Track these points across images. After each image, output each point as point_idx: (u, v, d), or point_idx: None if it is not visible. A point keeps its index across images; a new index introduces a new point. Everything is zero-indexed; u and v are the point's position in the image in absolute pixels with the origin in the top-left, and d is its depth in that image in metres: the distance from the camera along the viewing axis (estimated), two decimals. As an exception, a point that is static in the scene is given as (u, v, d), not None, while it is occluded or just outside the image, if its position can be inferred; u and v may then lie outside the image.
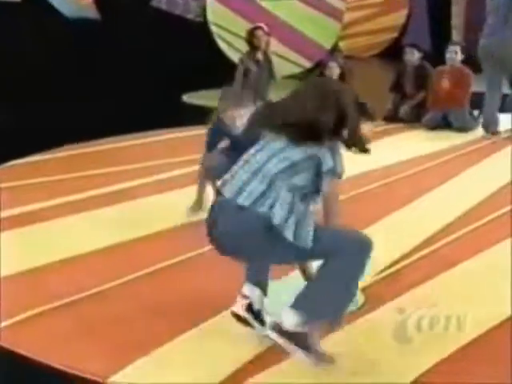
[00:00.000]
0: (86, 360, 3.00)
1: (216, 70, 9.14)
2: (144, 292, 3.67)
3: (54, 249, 4.19)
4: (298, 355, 2.84)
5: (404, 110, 7.96)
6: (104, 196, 5.26)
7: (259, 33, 7.85)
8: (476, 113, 7.85)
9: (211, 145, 4.65)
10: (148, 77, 9.00)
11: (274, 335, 2.87)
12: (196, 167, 4.95)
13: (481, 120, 7.72)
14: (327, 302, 2.83)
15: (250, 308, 3.11)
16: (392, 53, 9.84)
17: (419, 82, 7.96)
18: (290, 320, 2.81)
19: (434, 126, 7.67)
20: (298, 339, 2.82)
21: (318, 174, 2.86)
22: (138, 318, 3.38)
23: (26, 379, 2.99)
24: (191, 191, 4.86)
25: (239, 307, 3.12)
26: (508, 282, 3.68)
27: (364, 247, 2.85)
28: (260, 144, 2.97)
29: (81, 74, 8.94)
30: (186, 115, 8.33)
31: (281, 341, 2.84)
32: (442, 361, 2.95)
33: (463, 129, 7.54)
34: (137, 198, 5.19)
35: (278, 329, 2.84)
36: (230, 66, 9.52)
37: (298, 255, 2.90)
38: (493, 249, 4.22)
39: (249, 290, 3.13)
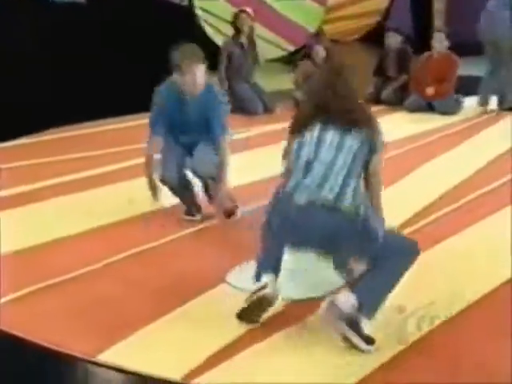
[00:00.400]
0: (74, 339, 3.00)
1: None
2: (130, 273, 3.66)
3: (40, 231, 4.17)
4: (354, 339, 2.83)
5: (386, 93, 7.96)
6: (88, 179, 5.23)
7: (243, 16, 7.81)
8: (459, 96, 7.84)
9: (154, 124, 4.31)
10: (133, 60, 8.92)
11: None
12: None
13: (464, 103, 7.77)
14: (379, 296, 2.89)
15: None
16: (375, 37, 9.79)
17: (401, 65, 7.96)
18: (349, 303, 2.83)
19: (417, 109, 7.66)
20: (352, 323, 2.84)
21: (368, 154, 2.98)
22: (125, 298, 3.37)
23: (15, 357, 2.98)
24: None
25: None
26: (488, 260, 3.73)
27: (415, 252, 3.00)
28: (307, 138, 3.00)
29: (66, 57, 8.85)
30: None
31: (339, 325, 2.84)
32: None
33: (446, 112, 7.54)
34: (121, 180, 5.16)
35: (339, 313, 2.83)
36: (216, 50, 9.47)
37: (371, 248, 2.94)
38: (474, 226, 4.25)
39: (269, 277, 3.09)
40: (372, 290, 2.89)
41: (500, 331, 3.03)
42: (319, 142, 2.99)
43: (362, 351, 2.83)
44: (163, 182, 4.21)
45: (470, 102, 7.89)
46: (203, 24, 10.38)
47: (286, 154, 3.14)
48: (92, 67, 8.57)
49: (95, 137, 6.66)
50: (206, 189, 4.41)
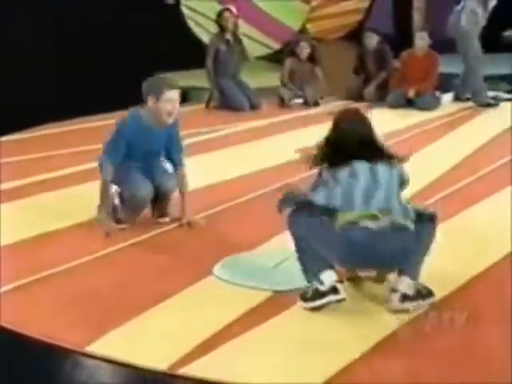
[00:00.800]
0: (64, 331, 3.01)
1: (188, 51, 9.09)
2: (119, 265, 3.69)
3: (29, 225, 4.18)
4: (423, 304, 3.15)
5: (368, 92, 8.00)
6: (77, 174, 5.24)
7: (227, 14, 7.84)
8: (438, 93, 7.92)
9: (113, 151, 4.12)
10: (121, 59, 8.92)
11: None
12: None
13: (442, 99, 7.86)
14: (421, 263, 3.23)
15: None
16: (357, 35, 9.83)
17: (379, 64, 8.02)
18: (408, 285, 3.15)
19: (397, 105, 7.72)
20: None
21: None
22: (114, 290, 3.39)
23: (7, 350, 2.99)
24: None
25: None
26: (467, 252, 3.81)
27: (435, 216, 3.32)
28: (350, 171, 3.18)
29: (58, 54, 8.85)
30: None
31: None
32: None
33: (426, 109, 7.60)
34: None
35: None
36: (202, 48, 9.48)
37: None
38: (455, 218, 4.31)
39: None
40: (416, 264, 3.22)
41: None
42: (370, 172, 3.20)
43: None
44: (134, 199, 4.12)
45: (448, 99, 7.99)
46: (189, 22, 10.37)
47: (321, 184, 3.23)
48: (79, 64, 8.57)
49: (83, 132, 6.64)
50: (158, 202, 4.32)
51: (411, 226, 3.15)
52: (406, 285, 3.15)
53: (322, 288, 3.15)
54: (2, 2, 8.66)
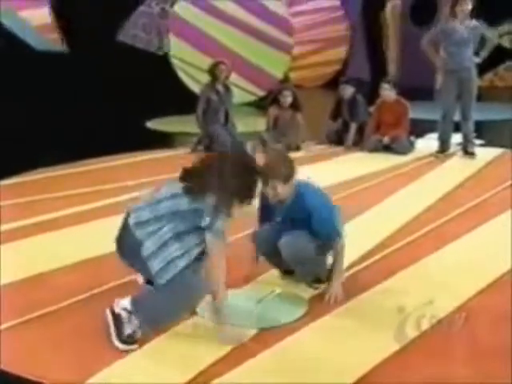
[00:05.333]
0: (57, 370, 2.93)
1: (176, 98, 9.12)
2: (107, 305, 3.60)
3: (21, 267, 4.10)
4: None
5: (347, 138, 8.02)
6: (71, 216, 5.18)
7: (222, 66, 7.92)
8: (413, 138, 7.94)
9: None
10: (114, 106, 8.94)
11: None
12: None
13: (417, 144, 7.86)
14: None
15: None
16: (335, 83, 9.92)
17: (353, 112, 8.07)
18: None
19: (374, 150, 7.75)
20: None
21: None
22: (103, 329, 3.31)
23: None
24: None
25: None
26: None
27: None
28: None
29: (53, 104, 8.84)
30: (150, 140, 8.32)
31: None
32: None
33: (401, 152, 7.63)
34: (103, 217, 5.11)
35: None
36: (189, 95, 9.54)
37: None
38: (428, 258, 4.27)
39: None
40: None
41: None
42: None
43: None
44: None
45: (422, 144, 8.01)
46: (178, 71, 10.43)
47: None
48: (74, 111, 8.57)
49: (77, 176, 6.61)
50: None
51: None
52: None
53: None
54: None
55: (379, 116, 7.87)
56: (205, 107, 7.79)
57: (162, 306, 3.06)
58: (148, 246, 3.05)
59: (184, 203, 3.06)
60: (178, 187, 3.11)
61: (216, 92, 7.86)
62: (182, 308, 3.13)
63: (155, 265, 3.03)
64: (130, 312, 3.08)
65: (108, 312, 3.12)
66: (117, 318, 3.09)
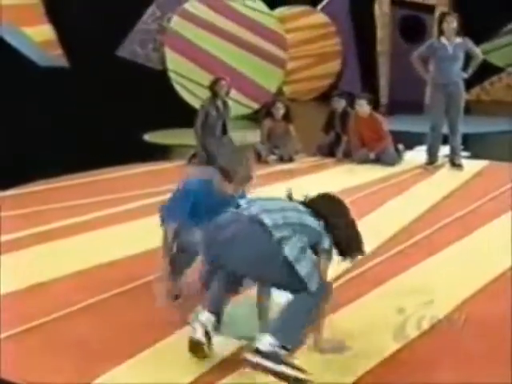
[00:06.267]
0: (54, 378, 2.92)
1: (174, 112, 9.15)
2: (104, 314, 3.60)
3: (23, 276, 4.10)
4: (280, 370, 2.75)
5: (339, 150, 8.04)
6: (71, 227, 5.16)
7: (222, 83, 7.91)
8: (401, 148, 7.96)
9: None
10: (113, 119, 8.96)
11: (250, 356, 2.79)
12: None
13: (405, 155, 7.88)
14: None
15: (207, 334, 3.05)
16: (328, 96, 9.97)
17: (344, 125, 8.10)
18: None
19: (364, 161, 7.77)
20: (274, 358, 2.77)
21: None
22: (100, 338, 3.31)
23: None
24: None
25: (199, 333, 3.02)
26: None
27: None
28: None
29: (53, 117, 8.85)
30: (148, 152, 8.34)
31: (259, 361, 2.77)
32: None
33: (389, 163, 7.65)
34: (102, 228, 5.11)
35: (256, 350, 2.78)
36: (186, 108, 9.57)
37: None
38: (416, 267, 4.27)
39: (206, 317, 3.07)
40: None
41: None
42: None
43: None
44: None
45: (412, 155, 8.03)
46: (176, 85, 10.46)
47: None
48: (75, 124, 8.58)
49: (77, 187, 6.61)
50: None
51: None
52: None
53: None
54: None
55: (358, 129, 7.89)
56: (203, 121, 7.79)
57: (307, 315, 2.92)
58: (291, 249, 2.87)
59: (311, 220, 3.02)
60: (297, 205, 3.08)
61: (216, 108, 7.85)
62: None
63: (302, 269, 2.87)
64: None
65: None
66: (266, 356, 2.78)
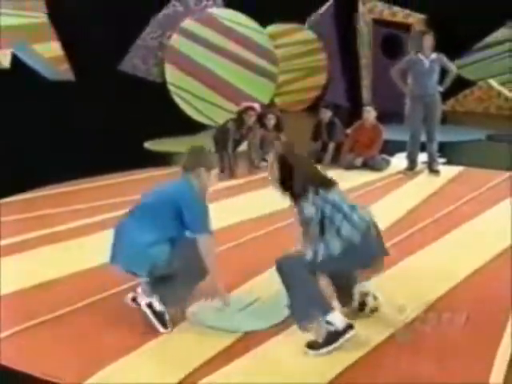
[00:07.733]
0: (61, 369, 2.94)
1: (173, 121, 9.15)
2: (107, 310, 3.61)
3: (31, 275, 4.11)
4: None
5: (326, 158, 8.07)
6: (75, 229, 5.17)
7: (251, 113, 7.54)
8: (386, 157, 8.00)
9: None
10: (115, 129, 8.95)
11: None
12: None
13: (391, 161, 7.91)
14: None
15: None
16: (315, 107, 10.00)
17: (331, 133, 8.13)
18: None
19: (351, 167, 7.80)
20: None
21: None
22: (104, 332, 3.31)
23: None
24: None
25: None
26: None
27: None
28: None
29: (57, 126, 8.84)
30: (148, 159, 8.35)
31: None
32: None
33: (377, 169, 7.69)
34: (99, 231, 5.12)
35: None
36: (183, 118, 9.59)
37: None
38: (396, 266, 4.29)
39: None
40: None
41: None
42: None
43: None
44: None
45: (393, 162, 8.08)
46: (176, 98, 10.47)
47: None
48: (79, 132, 8.57)
49: (82, 192, 6.61)
50: None
51: None
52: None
53: (333, 328, 2.97)
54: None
55: (356, 136, 7.93)
56: (221, 139, 7.49)
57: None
58: None
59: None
60: None
61: (240, 135, 7.58)
62: None
63: None
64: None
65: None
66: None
